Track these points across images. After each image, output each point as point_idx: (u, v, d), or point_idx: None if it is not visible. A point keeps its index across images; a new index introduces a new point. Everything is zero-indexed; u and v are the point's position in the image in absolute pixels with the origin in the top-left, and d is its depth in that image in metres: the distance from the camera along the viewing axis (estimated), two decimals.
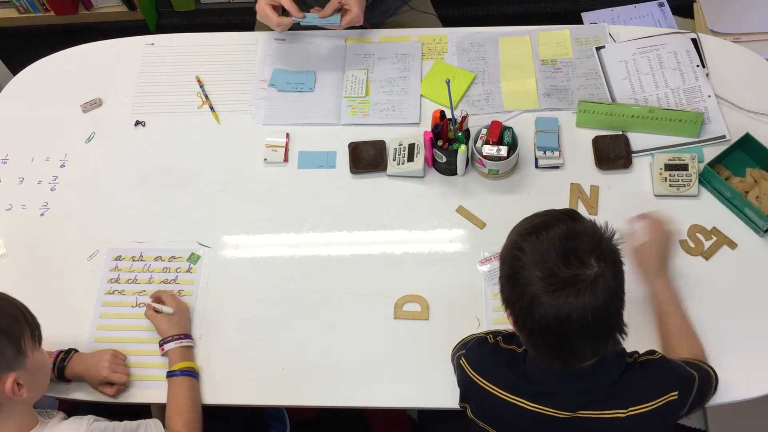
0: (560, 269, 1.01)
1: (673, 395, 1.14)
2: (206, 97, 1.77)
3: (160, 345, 1.42)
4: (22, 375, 1.17)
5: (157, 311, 1.44)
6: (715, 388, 1.29)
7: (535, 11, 2.81)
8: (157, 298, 1.48)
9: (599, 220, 1.10)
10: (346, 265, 1.54)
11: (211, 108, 1.75)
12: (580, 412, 1.12)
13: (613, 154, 1.62)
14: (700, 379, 1.21)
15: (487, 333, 1.27)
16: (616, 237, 1.07)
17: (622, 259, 1.07)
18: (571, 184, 1.60)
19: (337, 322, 1.48)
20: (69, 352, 1.41)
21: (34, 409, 1.26)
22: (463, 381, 1.24)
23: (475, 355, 1.23)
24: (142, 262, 1.56)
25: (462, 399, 1.27)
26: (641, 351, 1.23)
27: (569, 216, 1.07)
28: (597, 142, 1.63)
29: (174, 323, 1.44)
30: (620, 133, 1.64)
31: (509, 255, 1.08)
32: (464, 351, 1.26)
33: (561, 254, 1.01)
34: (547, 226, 1.05)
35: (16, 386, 1.15)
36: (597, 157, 1.62)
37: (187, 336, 1.44)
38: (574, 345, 1.05)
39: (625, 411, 1.12)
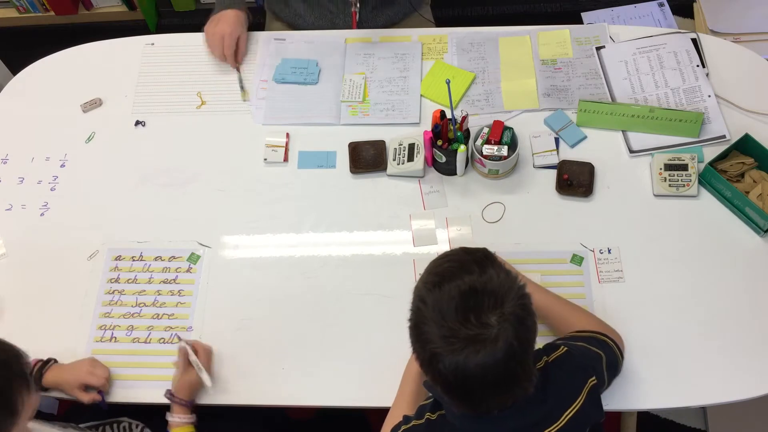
0: (459, 329, 0.99)
1: (593, 381, 1.16)
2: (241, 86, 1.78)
3: (170, 397, 1.38)
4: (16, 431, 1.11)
5: (191, 365, 1.37)
6: (622, 354, 1.30)
7: (535, 11, 2.82)
8: (194, 350, 1.39)
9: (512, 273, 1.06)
10: (346, 265, 1.54)
11: (241, 86, 1.78)
12: None
13: (576, 181, 1.57)
14: (606, 356, 1.23)
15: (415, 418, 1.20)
16: (524, 293, 1.04)
17: (529, 315, 1.03)
18: None
19: (337, 322, 1.48)
20: (48, 362, 1.41)
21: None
22: None
23: None
24: (142, 262, 1.56)
25: None
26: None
27: (478, 264, 1.05)
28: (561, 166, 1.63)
29: (193, 386, 1.39)
30: (587, 162, 1.59)
31: (414, 306, 1.07)
32: None
33: (461, 312, 1.00)
34: (452, 277, 1.03)
35: None
36: (558, 183, 1.57)
37: (192, 402, 1.39)
38: (476, 397, 1.04)
39: (560, 421, 1.11)
